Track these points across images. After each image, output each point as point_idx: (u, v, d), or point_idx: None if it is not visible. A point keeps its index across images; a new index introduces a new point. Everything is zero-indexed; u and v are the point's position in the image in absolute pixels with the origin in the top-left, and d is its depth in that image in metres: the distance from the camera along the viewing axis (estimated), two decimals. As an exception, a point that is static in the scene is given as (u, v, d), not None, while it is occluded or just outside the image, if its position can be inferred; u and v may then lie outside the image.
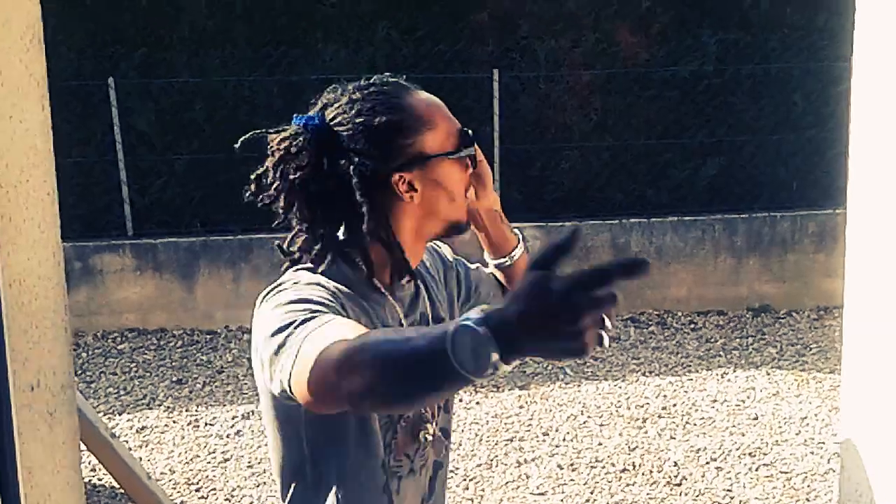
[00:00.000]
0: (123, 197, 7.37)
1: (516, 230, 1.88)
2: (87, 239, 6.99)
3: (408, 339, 1.24)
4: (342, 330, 1.38)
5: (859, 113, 2.87)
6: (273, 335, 1.50)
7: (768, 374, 6.22)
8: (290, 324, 1.46)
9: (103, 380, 6.34)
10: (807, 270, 7.60)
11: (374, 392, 1.27)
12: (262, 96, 7.54)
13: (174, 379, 6.33)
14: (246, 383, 6.19)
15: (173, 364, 6.60)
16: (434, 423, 1.72)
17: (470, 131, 1.66)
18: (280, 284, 1.62)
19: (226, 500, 4.69)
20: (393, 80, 1.66)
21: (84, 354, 6.71)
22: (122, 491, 4.13)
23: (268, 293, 1.62)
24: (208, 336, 7.09)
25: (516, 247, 1.85)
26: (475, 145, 1.68)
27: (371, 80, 1.67)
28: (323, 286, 1.57)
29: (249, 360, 6.53)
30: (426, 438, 1.70)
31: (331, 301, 1.52)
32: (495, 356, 1.13)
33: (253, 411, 5.73)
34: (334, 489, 1.66)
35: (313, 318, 1.45)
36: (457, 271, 1.90)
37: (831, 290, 7.47)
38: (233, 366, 6.53)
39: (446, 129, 1.62)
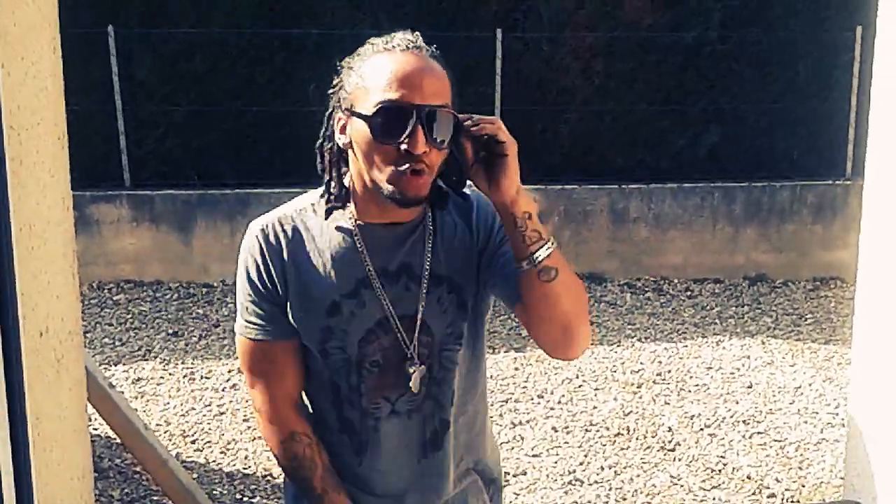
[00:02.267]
0: (121, 147, 7.31)
1: (548, 244, 1.68)
2: (84, 188, 6.94)
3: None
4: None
5: (881, 85, 2.84)
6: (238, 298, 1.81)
7: (763, 343, 6.23)
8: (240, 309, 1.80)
9: (99, 330, 6.32)
10: (804, 241, 7.60)
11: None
12: (262, 49, 7.46)
13: (170, 331, 6.31)
14: (241, 337, 6.18)
15: (169, 316, 6.59)
16: (416, 368, 1.77)
17: (409, 115, 1.60)
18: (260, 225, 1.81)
19: (221, 452, 4.70)
20: (411, 39, 1.70)
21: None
22: (119, 441, 4.13)
23: (254, 225, 1.81)
24: (204, 289, 7.07)
25: (528, 257, 1.66)
26: (434, 131, 1.62)
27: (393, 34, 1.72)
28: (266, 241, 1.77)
29: (245, 314, 6.55)
30: (409, 382, 1.76)
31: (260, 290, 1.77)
32: None
33: (248, 365, 5.72)
34: (315, 413, 1.85)
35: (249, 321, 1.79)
36: (483, 236, 1.82)
37: (828, 260, 7.49)
38: (228, 320, 6.52)
39: (379, 95, 1.63)
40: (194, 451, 4.72)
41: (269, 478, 4.46)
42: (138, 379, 5.55)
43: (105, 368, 5.63)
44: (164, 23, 7.38)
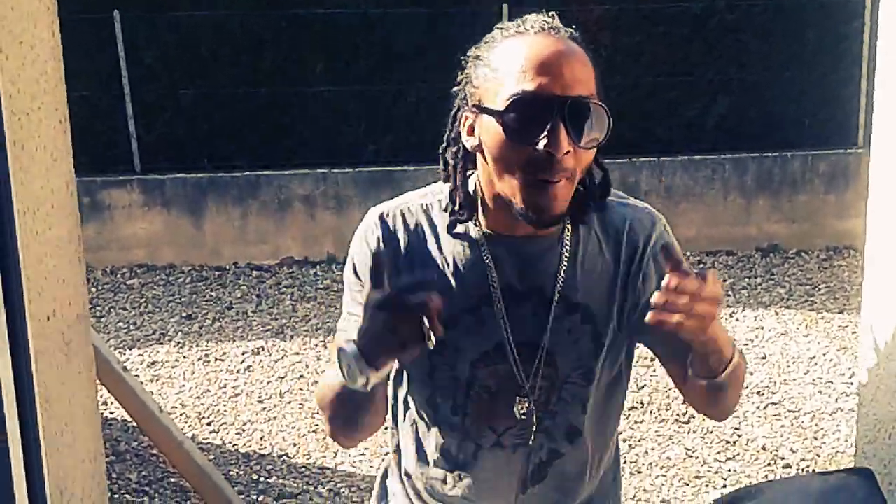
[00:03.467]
0: (130, 132, 7.32)
1: (730, 365, 1.47)
2: (94, 174, 6.96)
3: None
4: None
5: (887, 51, 2.82)
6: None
7: (777, 313, 6.21)
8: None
9: (113, 315, 6.36)
10: (817, 210, 7.56)
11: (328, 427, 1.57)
12: (268, 31, 7.45)
13: (184, 314, 6.34)
14: (255, 319, 6.20)
15: (182, 300, 6.62)
16: (529, 402, 1.57)
17: (549, 108, 1.37)
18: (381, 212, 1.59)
19: (237, 433, 4.72)
20: (547, 20, 1.46)
21: (93, 290, 6.71)
22: (134, 424, 4.16)
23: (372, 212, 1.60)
24: (217, 272, 7.09)
25: (704, 377, 1.48)
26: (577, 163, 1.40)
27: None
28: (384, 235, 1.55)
29: (258, 296, 6.58)
30: (520, 416, 1.57)
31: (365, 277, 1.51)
32: (355, 366, 1.35)
33: (263, 347, 5.75)
34: (403, 431, 1.69)
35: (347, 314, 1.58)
36: (633, 269, 1.58)
37: (841, 230, 7.45)
38: (242, 302, 6.54)
39: (512, 87, 1.39)
40: (210, 432, 4.75)
41: (284, 458, 4.49)
42: (153, 362, 5.58)
43: (120, 352, 5.66)
44: (170, 7, 7.37)
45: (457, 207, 1.52)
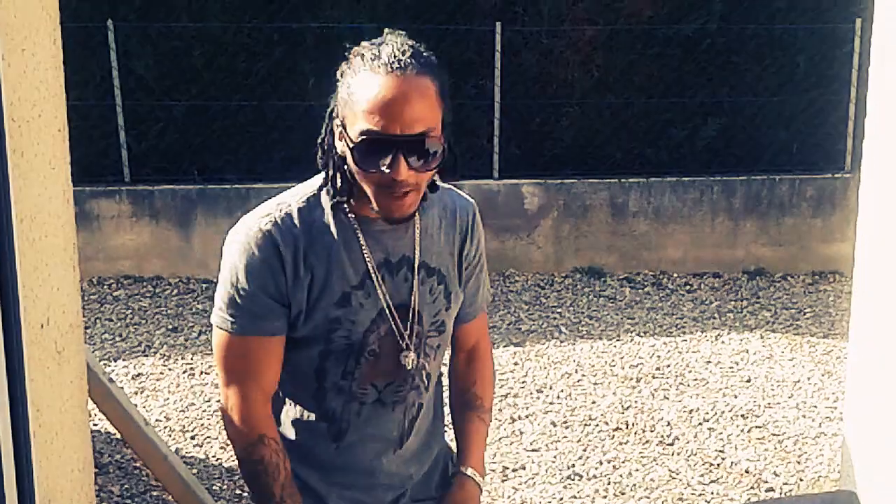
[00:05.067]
0: (121, 142, 7.31)
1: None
2: (83, 184, 6.94)
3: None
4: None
5: (878, 78, 2.85)
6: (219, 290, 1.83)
7: (762, 336, 6.24)
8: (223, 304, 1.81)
9: (98, 326, 6.33)
10: (803, 235, 7.61)
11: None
12: (261, 43, 7.46)
13: (170, 327, 6.32)
14: (241, 332, 6.18)
15: (169, 312, 6.59)
16: (413, 357, 1.84)
17: (390, 141, 1.65)
18: (263, 214, 1.80)
19: (221, 447, 4.70)
20: (400, 56, 1.69)
21: (79, 299, 6.69)
22: (118, 436, 4.14)
23: (246, 217, 1.82)
24: (204, 285, 7.07)
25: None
26: (386, 168, 1.66)
27: (391, 41, 1.73)
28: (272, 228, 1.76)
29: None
30: (410, 366, 1.84)
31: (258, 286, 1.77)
32: None
33: (248, 360, 5.72)
34: (287, 400, 1.89)
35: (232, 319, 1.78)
36: (462, 247, 1.94)
37: (827, 254, 7.49)
38: (228, 314, 6.52)
39: (362, 124, 1.66)
40: (194, 446, 4.73)
41: (269, 472, 4.46)
42: (138, 374, 5.56)
43: (105, 364, 5.64)
44: (163, 17, 7.37)
45: (338, 189, 1.77)
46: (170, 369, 5.62)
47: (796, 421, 5.01)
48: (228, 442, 1.86)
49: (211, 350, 5.84)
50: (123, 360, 5.77)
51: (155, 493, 4.20)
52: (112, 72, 7.22)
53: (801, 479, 4.42)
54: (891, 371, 2.84)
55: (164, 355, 5.83)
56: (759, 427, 4.94)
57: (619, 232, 7.53)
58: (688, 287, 7.29)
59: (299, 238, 1.76)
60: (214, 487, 4.32)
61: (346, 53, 1.77)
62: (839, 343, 5.99)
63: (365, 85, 1.67)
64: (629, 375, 5.57)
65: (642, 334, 6.27)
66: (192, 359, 5.78)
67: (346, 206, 1.78)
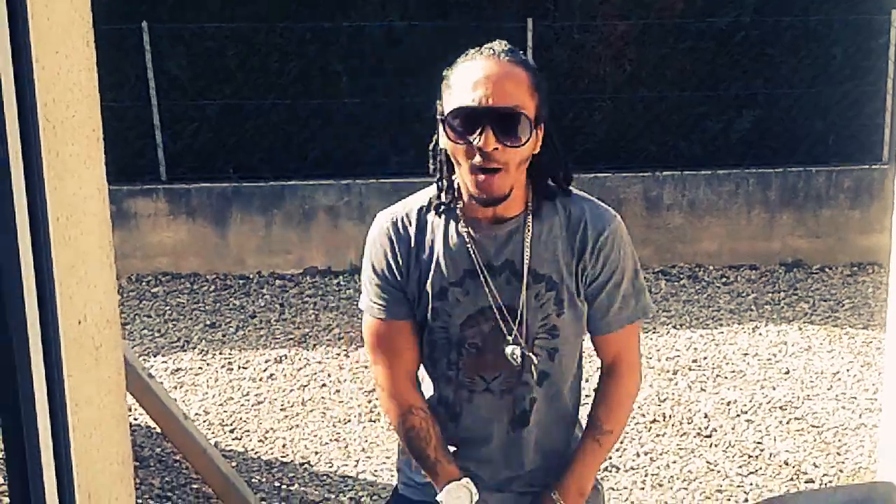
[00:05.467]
0: (157, 142, 7.39)
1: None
2: (120, 183, 7.03)
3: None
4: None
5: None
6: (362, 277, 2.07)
7: (800, 328, 6.19)
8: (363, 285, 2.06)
9: (138, 322, 6.41)
10: (841, 226, 7.53)
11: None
12: (293, 43, 7.50)
13: (207, 322, 6.38)
14: (278, 328, 6.24)
15: (206, 308, 6.66)
16: (518, 351, 1.95)
17: (479, 112, 1.80)
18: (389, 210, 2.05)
19: (259, 441, 4.75)
20: (497, 47, 1.88)
21: (118, 297, 6.77)
22: (158, 430, 4.19)
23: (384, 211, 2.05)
24: (241, 281, 7.14)
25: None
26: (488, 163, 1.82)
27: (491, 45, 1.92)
28: (394, 229, 1.99)
29: (281, 305, 6.62)
30: (513, 359, 1.96)
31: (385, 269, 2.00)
32: None
33: (285, 355, 5.78)
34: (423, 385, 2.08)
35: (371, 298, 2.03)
36: (586, 263, 1.99)
37: (865, 245, 7.41)
38: (265, 311, 6.58)
39: (456, 100, 1.85)
40: (233, 440, 4.78)
41: (306, 466, 4.51)
42: (177, 369, 5.62)
43: (144, 359, 5.71)
44: (196, 18, 7.44)
45: (443, 199, 1.95)
46: (208, 364, 5.68)
47: (836, 412, 4.97)
48: (384, 415, 2.13)
49: (247, 345, 5.93)
50: (162, 355, 5.84)
51: (195, 486, 4.25)
52: (147, 72, 7.29)
53: (842, 471, 4.39)
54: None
55: (203, 350, 5.90)
56: (798, 419, 4.91)
57: (654, 225, 7.50)
58: (724, 279, 7.24)
59: (411, 236, 1.97)
60: (253, 480, 4.37)
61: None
62: (878, 334, 5.93)
63: (462, 71, 1.87)
64: (666, 368, 5.55)
65: (678, 327, 6.25)
66: (230, 353, 5.83)
67: (454, 205, 1.95)
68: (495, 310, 1.95)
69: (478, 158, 1.83)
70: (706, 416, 4.93)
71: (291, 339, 6.06)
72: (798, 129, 7.82)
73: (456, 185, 1.94)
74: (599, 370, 2.12)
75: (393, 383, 2.01)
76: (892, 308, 3.06)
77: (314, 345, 5.96)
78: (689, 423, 4.86)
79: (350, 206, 7.29)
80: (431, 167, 2.00)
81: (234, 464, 4.46)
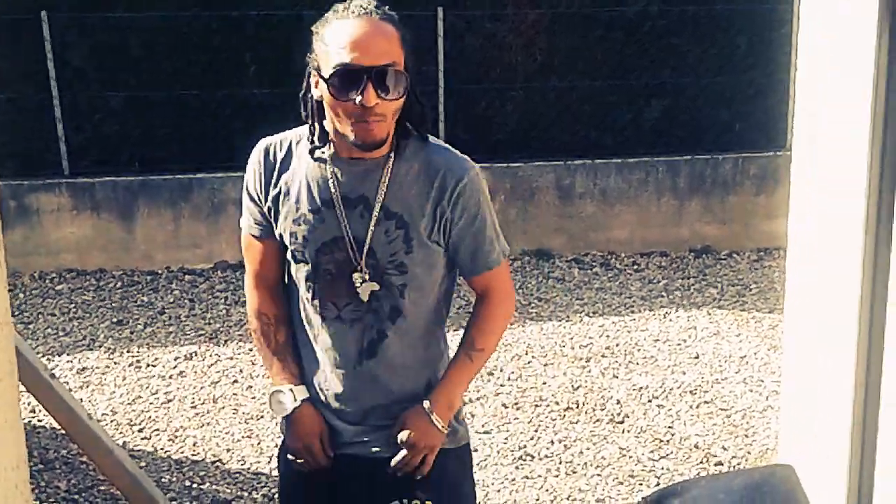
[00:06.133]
0: (59, 135, 7.18)
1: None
2: (22, 178, 6.82)
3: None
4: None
5: (806, 57, 2.88)
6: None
7: (709, 313, 6.30)
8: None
9: (41, 321, 6.23)
10: (748, 212, 7.69)
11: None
12: (200, 33, 7.36)
13: (114, 320, 6.23)
14: (188, 324, 6.12)
15: (113, 305, 6.50)
16: (359, 279, 2.10)
17: (360, 70, 1.94)
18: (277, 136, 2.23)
19: (169, 440, 4.65)
20: (367, 4, 2.00)
21: (21, 295, 6.57)
22: (63, 432, 4.07)
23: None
24: (149, 277, 6.98)
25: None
26: (357, 93, 1.95)
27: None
28: (271, 147, 2.19)
29: (191, 300, 6.50)
30: (359, 283, 2.11)
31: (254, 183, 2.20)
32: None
33: (195, 352, 5.67)
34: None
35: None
36: (442, 203, 2.11)
37: (771, 231, 7.58)
38: (174, 307, 6.45)
39: (335, 59, 1.96)
40: (142, 439, 4.67)
41: (217, 464, 4.43)
42: (83, 368, 5.48)
43: (48, 359, 5.55)
44: (99, 7, 7.24)
45: (314, 140, 2.11)
46: (115, 363, 5.55)
47: (744, 396, 5.07)
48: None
49: (156, 342, 5.81)
50: (68, 354, 5.68)
51: (102, 488, 4.15)
52: (48, 64, 7.08)
53: (749, 453, 4.48)
54: (821, 347, 2.88)
55: (110, 349, 5.75)
56: (708, 402, 4.99)
57: (567, 214, 7.56)
58: (635, 266, 7.34)
59: (280, 159, 2.15)
60: (163, 480, 4.28)
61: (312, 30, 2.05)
62: (784, 318, 6.06)
63: (337, 29, 1.97)
64: (579, 355, 5.60)
65: (591, 314, 6.31)
66: (137, 351, 5.70)
67: (321, 150, 2.10)
68: (347, 240, 2.09)
69: (359, 112, 1.96)
70: (618, 403, 4.99)
71: (202, 335, 5.96)
72: (705, 118, 7.96)
73: (326, 131, 2.09)
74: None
75: (250, 286, 2.24)
76: (789, 293, 3.13)
77: (225, 340, 5.86)
78: (601, 410, 4.91)
79: (261, 199, 7.18)
80: (303, 114, 2.13)
81: (143, 464, 4.36)
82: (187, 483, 4.27)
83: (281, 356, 2.21)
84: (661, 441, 4.59)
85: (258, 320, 2.24)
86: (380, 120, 1.98)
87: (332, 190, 2.09)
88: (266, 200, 2.16)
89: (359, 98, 1.94)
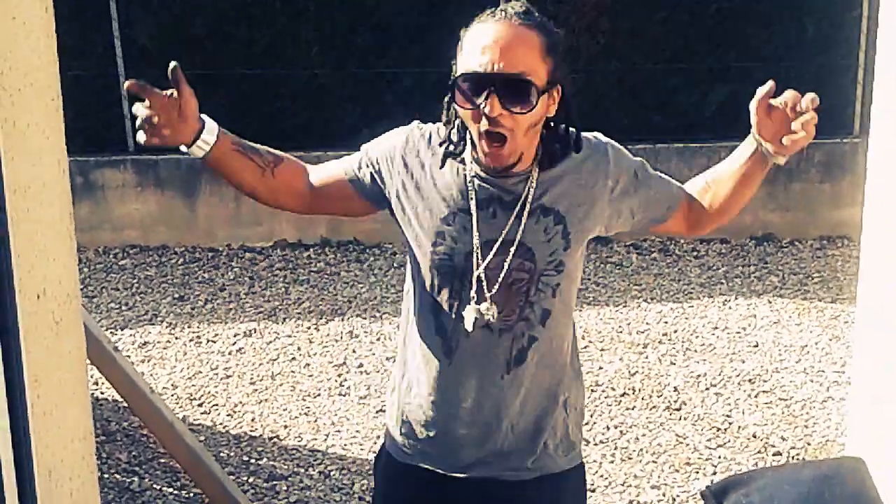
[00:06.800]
0: (124, 112, 7.28)
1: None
2: (88, 154, 6.92)
3: None
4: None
5: (885, 42, 2.81)
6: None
7: (770, 302, 6.22)
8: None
9: (105, 295, 6.34)
10: (811, 200, 7.55)
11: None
12: (264, 12, 7.40)
13: (176, 296, 6.33)
14: (247, 301, 6.19)
15: (175, 281, 6.60)
16: (488, 306, 1.96)
17: (485, 78, 1.84)
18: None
19: (228, 415, 4.72)
20: (512, 9, 1.90)
21: (86, 269, 6.70)
22: (125, 404, 4.15)
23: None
24: (210, 254, 7.07)
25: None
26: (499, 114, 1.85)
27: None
28: (404, 136, 2.07)
29: (251, 278, 6.57)
30: (514, 305, 1.97)
31: (378, 153, 2.09)
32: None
33: (255, 329, 5.74)
34: (415, 306, 2.08)
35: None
36: (622, 182, 2.07)
37: (835, 219, 7.44)
38: (234, 284, 6.53)
39: (465, 64, 1.87)
40: (201, 413, 4.75)
41: (275, 440, 4.48)
42: (145, 343, 5.57)
43: (111, 333, 5.65)
44: (165, -15, 7.32)
45: (451, 147, 1.99)
46: (176, 338, 5.64)
47: (804, 385, 5.00)
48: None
49: (216, 318, 5.88)
50: (130, 328, 5.78)
51: (162, 461, 4.23)
52: (114, 42, 7.18)
53: (809, 444, 4.42)
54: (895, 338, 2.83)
55: (171, 324, 5.85)
56: (767, 392, 4.93)
57: (626, 198, 7.48)
58: (695, 253, 7.25)
59: (425, 149, 2.02)
60: (222, 454, 4.34)
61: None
62: (847, 307, 5.97)
63: (473, 33, 1.88)
64: (636, 341, 5.56)
65: (649, 300, 6.26)
66: (198, 327, 5.79)
67: (459, 155, 1.99)
68: (501, 243, 1.96)
69: (484, 123, 1.86)
70: (675, 390, 4.95)
71: (261, 312, 6.02)
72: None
73: (469, 139, 1.97)
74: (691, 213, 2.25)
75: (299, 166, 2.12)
76: (862, 282, 3.07)
77: (284, 318, 5.92)
78: (658, 397, 4.88)
79: (321, 178, 7.22)
80: (444, 119, 2.03)
81: (202, 438, 4.43)
82: (245, 458, 4.33)
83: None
84: (719, 429, 4.55)
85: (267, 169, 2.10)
86: (507, 136, 1.87)
87: (486, 188, 1.97)
88: (390, 183, 2.04)
89: (482, 106, 1.84)
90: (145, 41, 7.37)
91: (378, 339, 5.56)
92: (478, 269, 1.97)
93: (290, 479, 4.16)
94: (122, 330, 5.76)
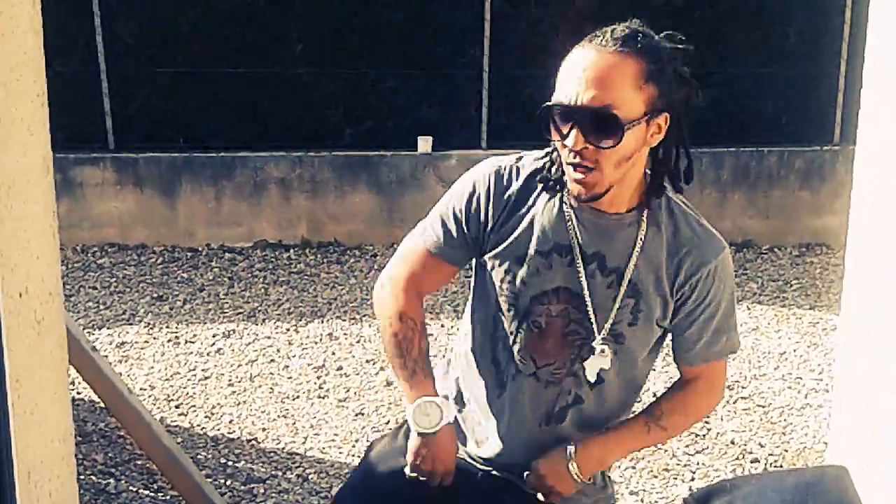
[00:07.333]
0: (105, 109, 7.23)
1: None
2: (67, 151, 6.87)
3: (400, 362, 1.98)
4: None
5: (874, 49, 2.82)
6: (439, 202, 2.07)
7: (749, 308, 6.24)
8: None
9: (83, 294, 6.29)
10: (791, 207, 7.59)
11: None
12: (248, 10, 7.37)
13: (154, 295, 6.28)
14: (227, 302, 6.16)
15: (154, 280, 6.55)
16: (603, 354, 1.92)
17: (568, 110, 1.78)
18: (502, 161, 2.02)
19: (206, 417, 4.68)
20: (612, 34, 1.87)
21: (63, 268, 6.62)
22: (102, 405, 4.11)
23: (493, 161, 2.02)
24: (189, 253, 7.03)
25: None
26: (559, 140, 1.82)
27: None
28: (496, 177, 1.97)
29: (230, 278, 6.53)
30: (567, 359, 1.93)
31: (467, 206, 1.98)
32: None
33: (234, 330, 5.71)
34: (476, 329, 2.05)
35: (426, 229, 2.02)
36: (682, 291, 1.96)
37: (815, 227, 7.49)
38: (214, 284, 6.49)
39: (556, 92, 1.82)
40: (178, 415, 4.71)
41: (253, 442, 4.45)
42: (122, 343, 5.53)
43: (89, 332, 5.60)
44: (148, -17, 7.27)
45: (549, 178, 1.92)
46: (154, 338, 5.59)
47: (782, 392, 5.02)
48: (377, 315, 2.08)
49: (195, 319, 5.83)
50: (108, 328, 5.73)
51: (139, 462, 4.19)
52: (96, 37, 7.13)
53: (786, 450, 4.43)
54: (879, 348, 2.84)
55: (149, 324, 5.80)
56: (745, 398, 4.95)
57: (607, 203, 7.49)
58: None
59: (513, 191, 1.93)
60: (199, 456, 4.31)
61: None
62: (825, 315, 6.00)
63: (568, 61, 1.84)
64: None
65: (629, 306, 6.26)
66: (176, 328, 5.75)
67: (560, 180, 1.91)
68: (571, 295, 1.90)
69: (570, 155, 1.81)
70: (654, 396, 4.95)
71: (240, 313, 5.99)
72: (751, 109, 7.85)
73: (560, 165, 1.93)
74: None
75: (401, 291, 2.00)
76: (846, 289, 3.08)
77: (263, 319, 5.89)
78: (637, 403, 4.87)
79: (302, 179, 7.20)
80: (546, 150, 1.98)
81: (179, 440, 4.40)
82: (222, 460, 4.30)
83: (422, 365, 1.98)
84: (697, 436, 4.55)
85: (402, 323, 1.99)
86: (593, 168, 1.81)
87: (570, 234, 1.91)
88: (484, 228, 1.95)
89: (566, 138, 1.80)
90: (128, 38, 7.32)
91: (358, 342, 5.54)
92: (540, 315, 1.93)
93: (267, 481, 4.13)
94: (99, 329, 5.71)
